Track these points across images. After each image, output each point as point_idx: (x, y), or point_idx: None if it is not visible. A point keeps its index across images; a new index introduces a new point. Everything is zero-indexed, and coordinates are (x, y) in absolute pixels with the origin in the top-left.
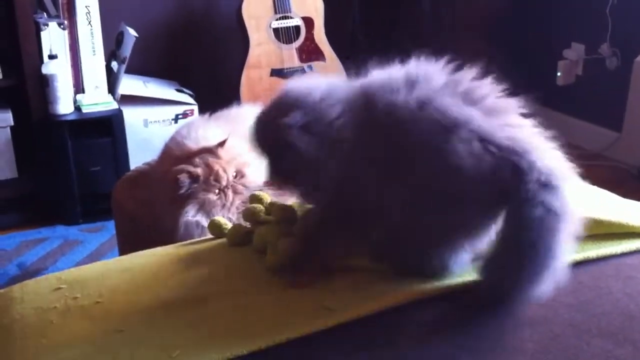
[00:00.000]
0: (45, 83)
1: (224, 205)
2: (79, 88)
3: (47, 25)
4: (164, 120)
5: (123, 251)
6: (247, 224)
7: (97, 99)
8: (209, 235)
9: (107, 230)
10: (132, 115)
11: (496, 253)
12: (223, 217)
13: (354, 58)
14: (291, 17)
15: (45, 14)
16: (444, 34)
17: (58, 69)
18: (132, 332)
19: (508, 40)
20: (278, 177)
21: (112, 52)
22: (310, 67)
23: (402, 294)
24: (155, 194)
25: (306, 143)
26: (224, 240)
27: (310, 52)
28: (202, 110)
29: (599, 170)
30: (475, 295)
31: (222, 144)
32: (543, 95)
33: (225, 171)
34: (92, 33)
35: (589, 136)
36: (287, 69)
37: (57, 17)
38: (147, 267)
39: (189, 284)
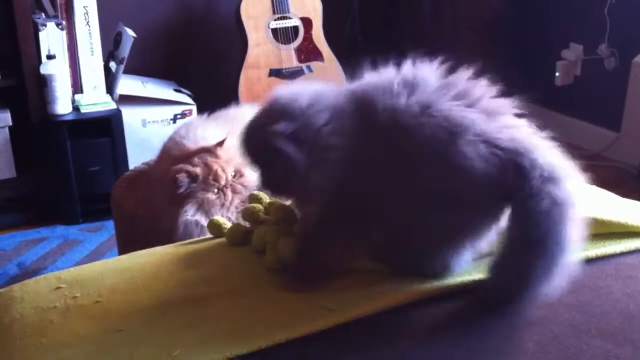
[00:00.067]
0: (43, 83)
1: (223, 205)
2: (77, 88)
3: (45, 25)
4: (162, 120)
5: (122, 251)
6: (247, 224)
7: (95, 99)
8: (208, 235)
9: (107, 230)
10: (130, 115)
11: (505, 252)
12: (222, 216)
13: (352, 59)
14: (290, 18)
15: (43, 14)
16: (443, 34)
17: (56, 69)
18: (131, 332)
19: (507, 40)
20: (269, 185)
21: (110, 52)
22: (308, 68)
23: (402, 294)
24: (154, 194)
25: (294, 151)
26: (223, 239)
27: (308, 53)
28: (200, 111)
29: (598, 170)
30: (483, 295)
31: (220, 143)
32: (541, 95)
33: (224, 171)
34: (90, 33)
35: (587, 136)
36: (285, 69)
37: (55, 17)
38: (146, 266)
39: (188, 283)
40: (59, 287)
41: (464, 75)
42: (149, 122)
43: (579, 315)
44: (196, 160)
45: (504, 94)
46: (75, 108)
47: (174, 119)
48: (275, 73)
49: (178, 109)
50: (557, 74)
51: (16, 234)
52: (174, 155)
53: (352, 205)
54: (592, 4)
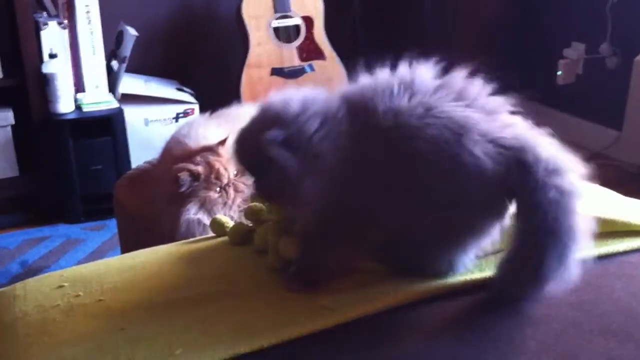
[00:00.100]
0: (45, 82)
1: (225, 203)
2: (79, 87)
3: (47, 24)
4: (164, 119)
5: (125, 249)
6: (249, 223)
7: (97, 98)
8: (211, 234)
9: (109, 229)
10: (132, 114)
11: (517, 247)
12: (225, 215)
13: (354, 57)
14: (291, 17)
15: (45, 13)
16: (444, 33)
17: (58, 68)
18: (133, 330)
19: (508, 39)
20: (262, 193)
21: (112, 51)
22: (310, 66)
23: (403, 294)
24: (156, 193)
25: (287, 158)
26: (225, 238)
27: (310, 51)
28: (202, 109)
29: (600, 169)
30: (493, 291)
31: (222, 142)
32: (543, 94)
33: (226, 169)
34: (92, 32)
35: (589, 135)
36: (287, 68)
37: (57, 16)
38: (148, 265)
39: (190, 282)
40: (62, 286)
41: (459, 74)
42: (151, 121)
43: (582, 314)
44: (198, 159)
45: (498, 91)
46: (77, 107)
47: (176, 118)
48: (277, 72)
49: (180, 108)
50: (558, 72)
51: (19, 233)
52: (175, 154)
53: (353, 207)
54: (594, 3)
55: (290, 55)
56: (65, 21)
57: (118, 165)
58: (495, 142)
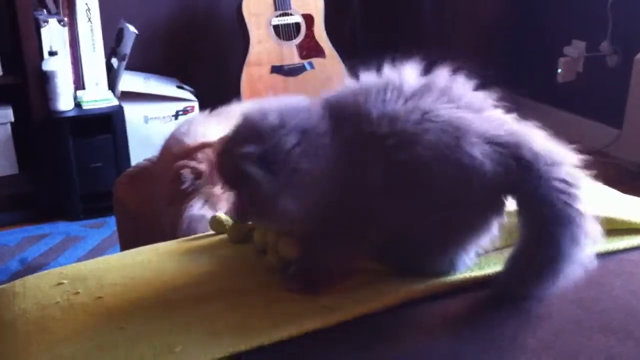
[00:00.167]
0: (45, 80)
1: (228, 200)
2: (79, 85)
3: (47, 22)
4: (164, 117)
5: (124, 247)
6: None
7: (97, 96)
8: (211, 231)
9: (109, 226)
10: (132, 112)
11: (527, 243)
12: (228, 212)
13: (354, 55)
14: (291, 14)
15: (45, 10)
16: (444, 32)
17: (58, 66)
18: (133, 328)
19: (508, 37)
20: (238, 208)
21: (112, 48)
22: (310, 64)
23: (402, 293)
24: (156, 190)
25: (260, 175)
26: (225, 236)
27: (310, 49)
28: (202, 107)
29: (600, 167)
30: (499, 290)
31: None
32: (543, 92)
33: None
34: (92, 30)
35: (589, 133)
36: (287, 65)
37: (57, 14)
38: (148, 263)
39: (190, 280)
40: (61, 283)
41: (443, 73)
42: (151, 118)
43: (582, 312)
44: (199, 155)
45: (480, 86)
46: (77, 105)
47: (176, 116)
48: (277, 70)
49: (180, 106)
50: (559, 70)
51: (18, 230)
52: (175, 152)
53: (352, 208)
54: (595, 1)
55: (290, 53)
56: (66, 19)
57: (118, 163)
58: (490, 141)
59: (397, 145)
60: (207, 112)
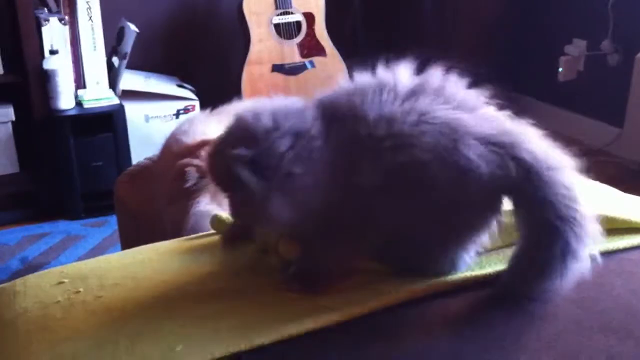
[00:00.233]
0: (46, 78)
1: None
2: (80, 83)
3: (48, 20)
4: (165, 116)
5: (125, 246)
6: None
7: (98, 95)
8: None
9: (110, 225)
10: (133, 111)
11: (527, 245)
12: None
13: (354, 54)
14: (292, 13)
15: (45, 9)
16: (445, 32)
17: (59, 65)
18: (134, 327)
19: (509, 36)
20: (232, 211)
21: (113, 47)
22: (311, 63)
23: (403, 292)
24: (157, 189)
25: (250, 178)
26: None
27: (311, 48)
28: (203, 106)
29: (601, 166)
30: (500, 290)
31: None
32: (544, 91)
33: None
34: (92, 28)
35: (590, 132)
36: (288, 64)
37: (58, 12)
38: (149, 262)
39: (191, 280)
40: (62, 282)
41: (435, 72)
42: (152, 117)
43: (582, 311)
44: (202, 153)
45: (472, 84)
46: (78, 103)
47: (177, 115)
48: (278, 69)
49: (181, 105)
50: (560, 69)
51: (19, 229)
52: (176, 150)
53: (351, 209)
54: (596, 0)
55: (291, 52)
56: (66, 17)
57: (119, 162)
58: (487, 141)
59: (394, 147)
60: (207, 111)
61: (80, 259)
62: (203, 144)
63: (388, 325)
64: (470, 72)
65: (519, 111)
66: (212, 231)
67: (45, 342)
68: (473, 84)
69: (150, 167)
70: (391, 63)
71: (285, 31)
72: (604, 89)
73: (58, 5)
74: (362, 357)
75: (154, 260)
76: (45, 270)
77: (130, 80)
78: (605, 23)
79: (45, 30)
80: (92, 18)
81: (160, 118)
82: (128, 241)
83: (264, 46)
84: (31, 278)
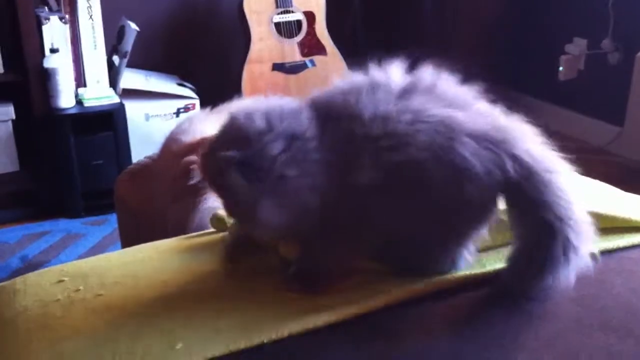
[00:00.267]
0: (46, 77)
1: None
2: (80, 82)
3: (49, 19)
4: (165, 115)
5: (125, 244)
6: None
7: (98, 93)
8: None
9: (110, 224)
10: (133, 110)
11: (525, 245)
12: None
13: (355, 53)
14: (293, 12)
15: (46, 8)
16: (445, 31)
17: (59, 63)
18: (133, 325)
19: (510, 35)
20: (226, 211)
21: (113, 46)
22: (311, 62)
23: (403, 291)
24: (158, 187)
25: (239, 181)
26: (226, 234)
27: (311, 47)
28: (203, 105)
29: (601, 165)
30: (499, 289)
31: None
32: (545, 90)
33: None
34: (93, 27)
35: (590, 131)
36: (288, 63)
37: (59, 11)
38: (149, 260)
39: (191, 278)
40: (62, 280)
41: (427, 70)
42: (152, 116)
43: (582, 310)
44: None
45: (463, 81)
46: (79, 102)
47: (177, 113)
48: (279, 67)
49: (181, 103)
50: (560, 68)
51: (19, 228)
52: (176, 149)
53: (348, 214)
54: None
55: (291, 51)
56: (67, 16)
57: (119, 160)
58: (482, 137)
59: (391, 146)
60: (208, 109)
61: (80, 257)
62: (204, 141)
63: (388, 325)
64: (470, 71)
65: (519, 110)
66: (209, 230)
67: (45, 341)
68: (471, 82)
69: (150, 166)
70: (387, 62)
71: (285, 30)
72: (605, 87)
73: (58, 4)
74: (362, 356)
75: (154, 259)
76: (46, 269)
77: (131, 78)
78: (605, 22)
79: (45, 28)
80: (92, 17)
81: (160, 117)
82: (128, 240)
83: (265, 45)
84: (31, 276)
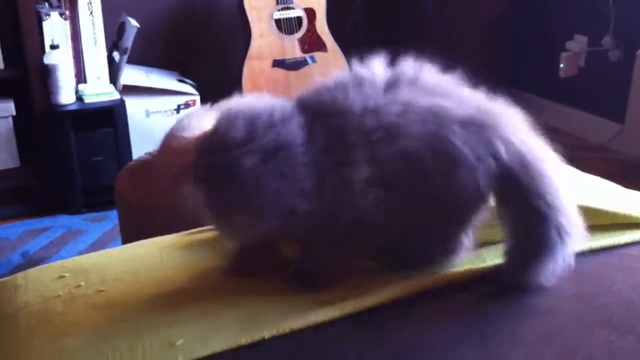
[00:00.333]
0: (47, 73)
1: None
2: (80, 78)
3: (49, 15)
4: (165, 111)
5: (126, 240)
6: None
7: (99, 89)
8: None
9: (110, 220)
10: (134, 106)
11: (521, 236)
12: None
13: (355, 49)
14: (293, 8)
15: (46, 4)
16: (446, 28)
17: (60, 59)
18: (134, 321)
19: (510, 32)
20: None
21: (113, 42)
22: (312, 58)
23: (403, 286)
24: (158, 184)
25: (212, 191)
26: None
27: (312, 43)
28: (204, 101)
29: (602, 162)
30: (499, 282)
31: None
32: (545, 87)
33: None
34: (93, 23)
35: (591, 128)
36: (289, 59)
37: (59, 7)
38: (149, 256)
39: (191, 274)
40: (63, 276)
41: (408, 62)
42: (153, 112)
43: (583, 306)
44: None
45: (443, 70)
46: (79, 98)
47: (178, 110)
48: (279, 64)
49: (181, 100)
50: (561, 65)
51: (19, 224)
52: (175, 145)
53: (346, 213)
54: None
55: (292, 47)
56: (67, 12)
57: (119, 157)
58: (469, 122)
59: (385, 138)
60: (208, 105)
61: (80, 253)
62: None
63: (389, 319)
64: (471, 68)
65: (520, 107)
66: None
67: (46, 336)
68: (471, 79)
69: (150, 162)
70: (389, 59)
71: (286, 26)
72: (605, 85)
73: (59, 0)
74: (362, 351)
75: (155, 255)
76: (46, 265)
77: (131, 75)
78: (606, 19)
79: (46, 25)
80: (92, 13)
81: (161, 113)
82: (129, 236)
83: (265, 41)
84: (32, 272)
